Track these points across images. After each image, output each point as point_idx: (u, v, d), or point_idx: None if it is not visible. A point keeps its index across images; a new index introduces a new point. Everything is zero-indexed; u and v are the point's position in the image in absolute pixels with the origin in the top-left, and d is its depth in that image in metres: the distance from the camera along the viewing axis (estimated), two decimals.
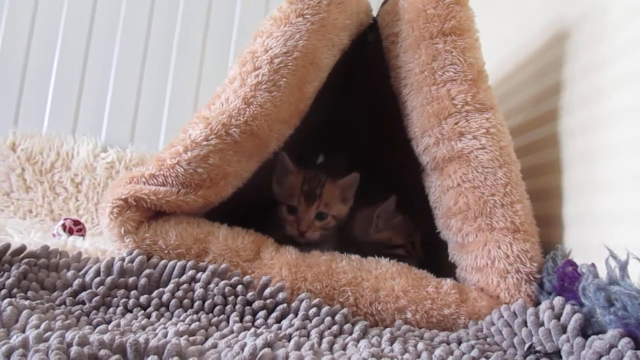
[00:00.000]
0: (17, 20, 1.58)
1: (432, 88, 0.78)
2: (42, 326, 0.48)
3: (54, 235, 1.13)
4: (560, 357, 0.57)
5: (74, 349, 0.38)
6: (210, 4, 1.64)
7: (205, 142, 0.73)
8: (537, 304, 0.71)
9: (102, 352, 0.39)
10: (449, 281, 0.75)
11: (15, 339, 0.41)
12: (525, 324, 0.63)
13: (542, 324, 0.61)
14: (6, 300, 0.53)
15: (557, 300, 0.62)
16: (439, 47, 0.77)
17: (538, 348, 0.59)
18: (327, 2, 0.77)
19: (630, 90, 0.65)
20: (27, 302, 0.55)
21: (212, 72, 1.63)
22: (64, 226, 1.18)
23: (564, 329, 0.59)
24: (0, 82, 1.58)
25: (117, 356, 0.38)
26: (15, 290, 0.58)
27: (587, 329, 0.59)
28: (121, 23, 1.62)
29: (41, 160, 1.54)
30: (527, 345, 0.60)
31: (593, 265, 0.63)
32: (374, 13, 0.91)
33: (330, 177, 0.96)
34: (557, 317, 0.60)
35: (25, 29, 1.58)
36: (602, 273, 0.61)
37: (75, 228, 1.18)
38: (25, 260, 0.63)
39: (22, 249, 0.64)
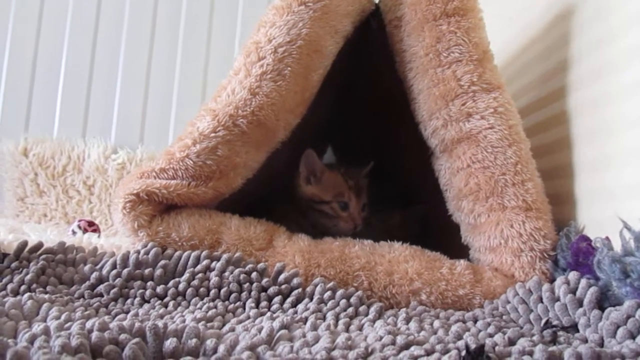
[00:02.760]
0: (23, 27, 1.60)
1: (437, 70, 0.78)
2: (63, 317, 0.48)
3: (68, 235, 1.15)
4: (578, 330, 0.57)
5: (95, 334, 0.38)
6: (213, 3, 1.65)
7: (213, 134, 0.74)
8: (552, 281, 0.70)
9: (122, 336, 0.39)
10: (462, 262, 0.75)
11: (37, 327, 0.42)
12: (540, 300, 0.63)
13: (557, 299, 0.61)
14: (26, 295, 0.54)
15: (573, 275, 0.62)
16: (442, 28, 0.77)
17: (555, 323, 0.59)
18: None
19: (639, 63, 0.64)
20: (46, 296, 0.56)
21: (218, 68, 1.64)
22: (78, 227, 1.19)
23: (580, 303, 0.59)
24: (9, 89, 1.60)
25: (136, 340, 0.38)
26: (34, 285, 0.59)
27: (604, 302, 0.59)
28: (126, 24, 1.63)
29: (53, 165, 1.56)
30: (543, 321, 0.60)
31: (607, 238, 0.63)
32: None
33: (356, 169, 1.02)
34: (573, 291, 0.60)
35: (31, 36, 1.60)
36: (617, 247, 0.61)
37: (90, 229, 1.20)
38: (43, 256, 0.64)
39: (40, 245, 0.65)
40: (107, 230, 1.46)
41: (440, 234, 1.02)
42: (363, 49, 0.97)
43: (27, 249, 0.64)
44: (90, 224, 1.25)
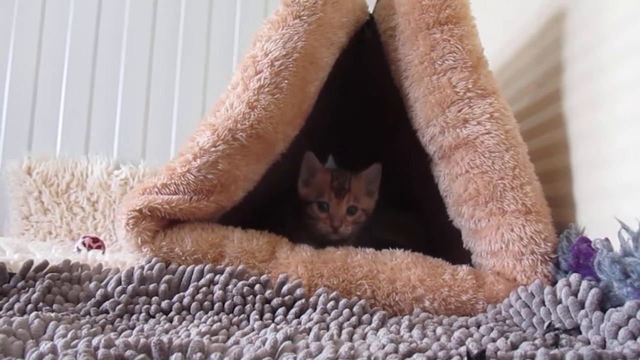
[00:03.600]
0: (24, 46, 1.61)
1: (432, 78, 0.79)
2: (69, 335, 0.49)
3: (73, 253, 1.16)
4: (580, 332, 0.57)
5: (101, 351, 0.39)
6: (211, 19, 1.67)
7: (213, 149, 0.75)
8: (554, 283, 0.70)
9: (128, 352, 0.40)
10: (464, 267, 0.76)
11: (44, 346, 0.43)
12: (543, 303, 0.63)
13: (559, 302, 0.61)
14: (33, 314, 0.55)
15: (574, 277, 0.63)
16: (436, 36, 0.78)
17: (557, 325, 0.59)
18: (322, 2, 0.78)
19: (632, 63, 0.65)
20: (53, 314, 0.56)
21: (217, 83, 1.65)
22: (83, 244, 1.20)
23: (582, 305, 0.59)
24: (12, 108, 1.61)
25: (142, 355, 0.39)
26: (40, 304, 0.60)
27: (606, 303, 0.59)
28: (125, 41, 1.65)
29: (57, 182, 1.56)
30: (546, 324, 0.60)
31: (607, 239, 0.63)
32: (370, 9, 0.92)
33: (354, 172, 0.99)
34: (575, 293, 0.61)
35: (32, 54, 1.62)
36: (617, 248, 0.61)
37: (95, 245, 1.21)
38: (49, 275, 0.65)
39: (45, 264, 0.66)
40: (112, 245, 1.46)
41: (441, 240, 1.02)
42: (358, 58, 0.98)
43: (32, 268, 0.65)
44: (95, 240, 1.25)
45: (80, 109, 1.63)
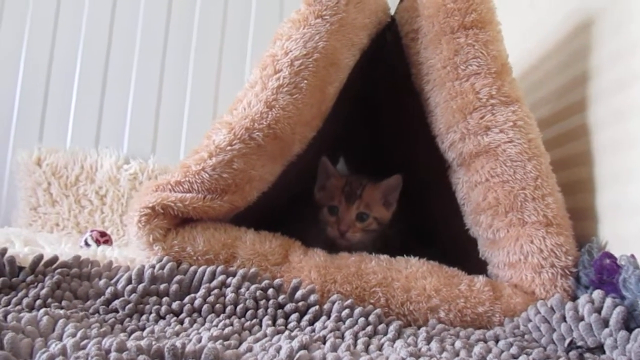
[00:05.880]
0: (37, 38, 1.61)
1: (455, 83, 0.77)
2: (79, 334, 0.48)
3: (81, 247, 1.15)
4: (604, 352, 0.55)
5: (112, 355, 0.38)
6: (226, 14, 1.65)
7: (229, 147, 0.73)
8: (574, 298, 0.69)
9: (141, 357, 0.38)
10: (481, 278, 0.74)
11: (54, 347, 0.41)
12: (564, 319, 0.61)
13: (582, 319, 0.59)
14: (42, 310, 0.54)
15: (597, 294, 0.61)
16: (460, 41, 0.76)
17: (579, 343, 0.57)
18: (345, 2, 0.77)
19: None
20: (62, 312, 0.55)
21: (229, 79, 1.64)
22: (91, 237, 1.19)
23: (605, 323, 0.57)
24: (24, 100, 1.61)
25: None
26: (49, 300, 0.59)
27: (630, 322, 0.57)
28: (139, 35, 1.63)
29: (66, 174, 1.55)
30: (567, 341, 0.58)
31: (632, 256, 0.61)
32: (392, 11, 0.90)
33: (372, 180, 0.97)
34: (598, 311, 0.59)
35: (45, 47, 1.61)
36: None
37: (102, 239, 1.20)
38: (58, 270, 0.63)
39: (55, 259, 0.65)
40: (119, 240, 1.46)
41: (455, 248, 1.00)
42: (377, 60, 0.97)
43: (42, 262, 0.64)
44: (102, 234, 1.24)
45: (92, 102, 1.62)
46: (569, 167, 0.83)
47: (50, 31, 1.61)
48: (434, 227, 1.10)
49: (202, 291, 0.62)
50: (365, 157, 1.40)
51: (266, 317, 0.60)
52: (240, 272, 0.66)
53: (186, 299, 0.61)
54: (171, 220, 0.73)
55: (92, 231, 1.25)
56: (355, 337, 0.55)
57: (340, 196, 0.93)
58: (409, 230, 1.06)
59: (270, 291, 0.63)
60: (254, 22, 1.65)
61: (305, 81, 0.76)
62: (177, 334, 0.54)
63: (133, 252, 0.88)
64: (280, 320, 0.60)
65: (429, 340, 0.56)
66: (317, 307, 0.62)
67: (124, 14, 1.64)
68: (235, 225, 0.79)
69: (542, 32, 0.99)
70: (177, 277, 0.64)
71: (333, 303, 0.63)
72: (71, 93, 1.62)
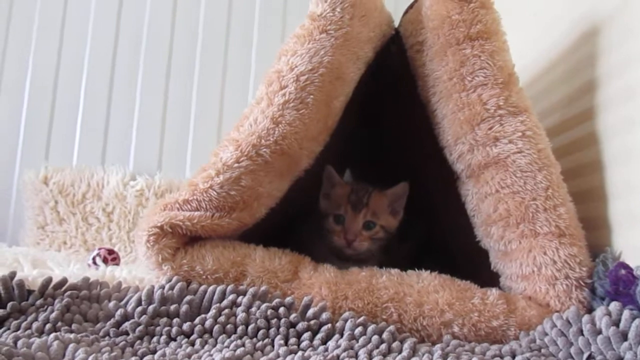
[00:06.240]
0: (43, 57, 1.62)
1: (462, 94, 0.76)
2: (90, 359, 0.47)
3: (89, 265, 1.14)
4: None
5: None
6: (229, 31, 1.66)
7: (236, 165, 0.73)
8: (589, 310, 0.68)
9: None
10: (494, 291, 0.73)
11: None
12: (581, 332, 0.60)
13: (600, 332, 0.58)
14: (52, 335, 0.53)
15: (614, 306, 0.60)
16: (466, 52, 0.75)
17: (598, 358, 0.56)
18: (349, 16, 0.77)
19: None
20: (72, 336, 0.54)
21: (234, 95, 1.65)
22: (98, 255, 1.19)
23: (624, 337, 0.56)
24: (30, 119, 1.62)
25: None
26: (59, 323, 0.58)
27: None
28: (143, 52, 1.65)
29: (73, 192, 1.56)
30: (585, 355, 0.57)
31: None
32: (396, 23, 0.90)
33: (377, 188, 0.95)
34: (616, 323, 0.57)
35: (51, 65, 1.62)
36: None
37: (110, 257, 1.19)
38: (68, 293, 0.63)
39: (64, 282, 0.65)
40: (127, 257, 1.45)
41: (466, 259, 0.99)
42: (382, 72, 0.97)
43: (51, 285, 0.64)
44: (110, 252, 1.24)
45: (97, 119, 1.63)
46: (579, 175, 0.82)
47: (55, 50, 1.63)
48: (443, 239, 1.09)
49: (212, 311, 0.61)
50: (371, 171, 1.39)
51: (278, 337, 0.59)
52: (251, 290, 0.65)
53: (197, 320, 0.60)
54: (180, 239, 0.72)
55: (99, 249, 1.24)
56: (370, 356, 0.54)
57: (347, 204, 0.92)
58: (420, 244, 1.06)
59: (282, 310, 0.62)
60: (257, 38, 1.66)
61: (312, 96, 0.75)
62: (189, 356, 0.54)
63: (142, 270, 0.87)
64: (292, 340, 0.59)
65: (444, 357, 0.55)
66: (329, 325, 0.61)
67: (128, 32, 1.65)
68: (244, 241, 0.79)
69: (547, 41, 0.99)
70: (187, 298, 0.63)
71: (345, 321, 0.62)
72: (77, 111, 1.63)
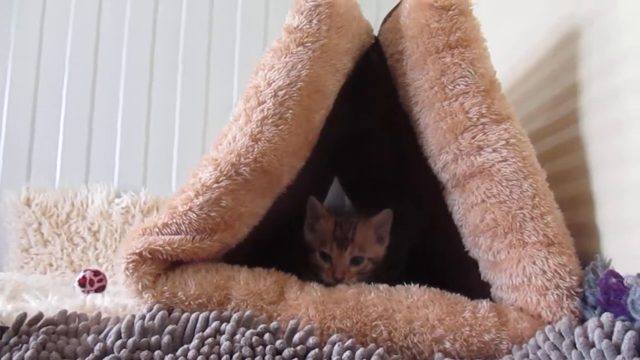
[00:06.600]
0: (22, 75, 1.59)
1: (444, 103, 0.75)
2: None
3: (74, 287, 1.11)
4: None
5: None
6: (210, 44, 1.64)
7: (215, 185, 0.71)
8: (581, 320, 0.66)
9: None
10: (485, 303, 0.71)
11: None
12: (574, 345, 0.58)
13: (593, 345, 0.56)
14: None
15: (606, 317, 0.58)
16: (446, 60, 0.74)
17: None
18: (326, 27, 0.75)
19: None
20: None
21: (218, 108, 1.62)
22: (84, 278, 1.16)
23: (617, 349, 0.54)
24: (10, 139, 1.58)
25: None
26: None
27: None
28: (124, 67, 1.62)
29: (57, 213, 1.53)
30: None
31: (639, 275, 0.59)
32: (375, 32, 0.89)
33: (362, 217, 0.93)
34: (608, 336, 0.56)
35: (30, 83, 1.59)
36: None
37: (96, 279, 1.17)
38: (44, 329, 0.60)
39: (39, 317, 0.62)
40: (114, 276, 1.42)
41: (456, 268, 0.98)
42: (364, 82, 0.95)
43: (26, 321, 0.61)
44: (96, 273, 1.21)
45: (79, 137, 1.60)
46: (565, 181, 0.81)
47: (33, 66, 1.59)
48: (434, 248, 1.08)
49: (195, 342, 0.59)
50: (359, 179, 1.38)
51: None
52: (235, 316, 0.63)
53: (179, 352, 0.58)
54: (160, 265, 0.70)
55: (85, 271, 1.22)
56: None
57: (332, 242, 0.89)
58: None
59: (267, 336, 0.60)
60: (238, 53, 1.64)
61: (291, 111, 0.74)
62: None
63: (125, 295, 0.85)
64: None
65: None
66: (316, 350, 0.59)
67: (108, 47, 1.62)
68: (228, 261, 0.77)
69: (527, 46, 0.98)
70: (169, 328, 0.61)
71: (333, 344, 0.60)
72: (58, 129, 1.60)
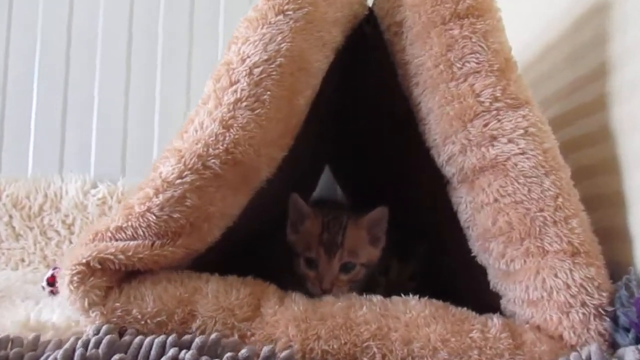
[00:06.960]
0: None
1: (450, 84, 0.64)
2: None
3: (43, 288, 1.03)
4: None
5: None
6: (192, 21, 1.53)
7: (179, 181, 0.60)
8: (611, 344, 0.56)
9: None
10: (496, 321, 0.61)
11: None
12: None
13: None
14: None
15: None
16: (454, 33, 0.63)
17: None
18: None
19: None
20: None
21: (202, 92, 1.51)
22: (53, 277, 1.07)
23: None
24: None
25: None
26: None
27: None
28: (99, 47, 1.52)
29: (28, 205, 1.44)
30: None
31: None
32: (370, 1, 0.77)
33: (352, 216, 0.81)
34: None
35: None
36: None
37: None
38: None
39: None
40: None
41: (461, 273, 0.88)
42: (357, 61, 0.84)
43: None
44: None
45: (52, 123, 1.49)
46: (589, 177, 0.70)
47: (2, 48, 1.49)
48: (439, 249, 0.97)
49: None
50: (354, 164, 1.27)
51: None
52: (198, 341, 0.52)
53: None
54: (112, 277, 0.59)
55: (54, 268, 1.13)
56: None
57: (318, 247, 0.77)
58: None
59: None
60: (222, 29, 1.53)
61: (269, 92, 0.62)
62: None
63: None
64: None
65: None
66: None
67: (82, 28, 1.51)
68: (197, 269, 0.66)
69: (547, 18, 0.86)
70: (117, 357, 0.50)
71: None
72: (29, 114, 1.50)
